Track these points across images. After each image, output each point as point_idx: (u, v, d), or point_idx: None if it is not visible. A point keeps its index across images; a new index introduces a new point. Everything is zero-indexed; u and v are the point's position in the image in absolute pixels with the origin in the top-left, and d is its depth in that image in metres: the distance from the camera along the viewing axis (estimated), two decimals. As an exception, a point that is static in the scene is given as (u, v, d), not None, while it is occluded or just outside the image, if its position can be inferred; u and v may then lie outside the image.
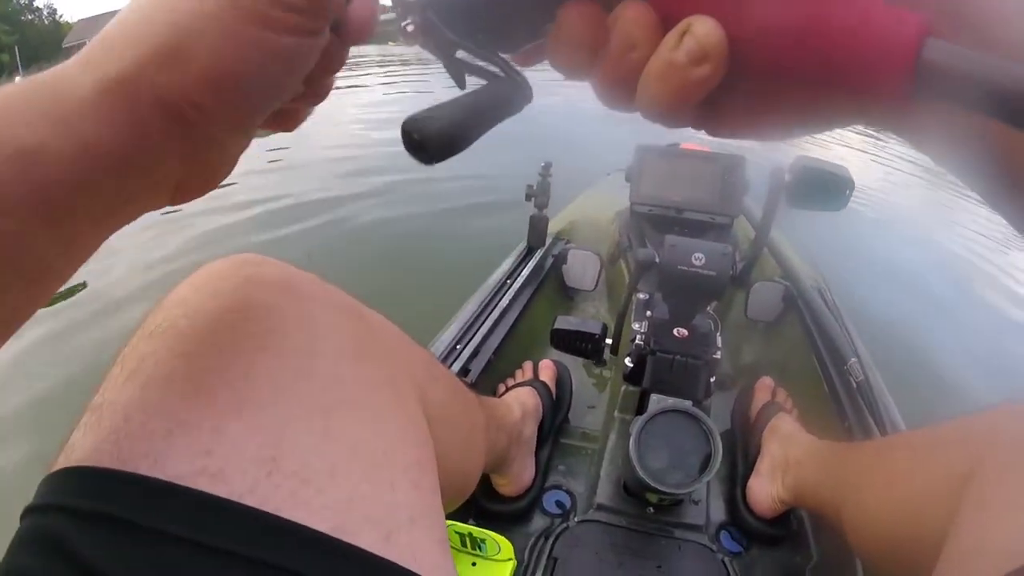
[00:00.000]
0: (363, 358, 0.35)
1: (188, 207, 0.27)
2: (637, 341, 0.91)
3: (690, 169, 1.36)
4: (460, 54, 0.25)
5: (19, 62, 25.85)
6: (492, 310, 1.22)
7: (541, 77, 0.28)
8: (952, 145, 0.20)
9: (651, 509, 0.88)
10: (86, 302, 2.39)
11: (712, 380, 0.89)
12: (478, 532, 0.78)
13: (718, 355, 0.89)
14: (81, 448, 0.28)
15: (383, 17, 0.26)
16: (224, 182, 0.27)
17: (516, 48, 0.25)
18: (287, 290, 0.35)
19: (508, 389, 1.06)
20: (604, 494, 0.92)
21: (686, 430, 0.79)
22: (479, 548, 0.79)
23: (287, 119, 0.29)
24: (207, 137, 0.23)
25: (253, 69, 0.22)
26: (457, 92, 0.24)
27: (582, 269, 1.44)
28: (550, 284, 1.48)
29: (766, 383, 1.12)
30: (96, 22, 30.58)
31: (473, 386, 1.03)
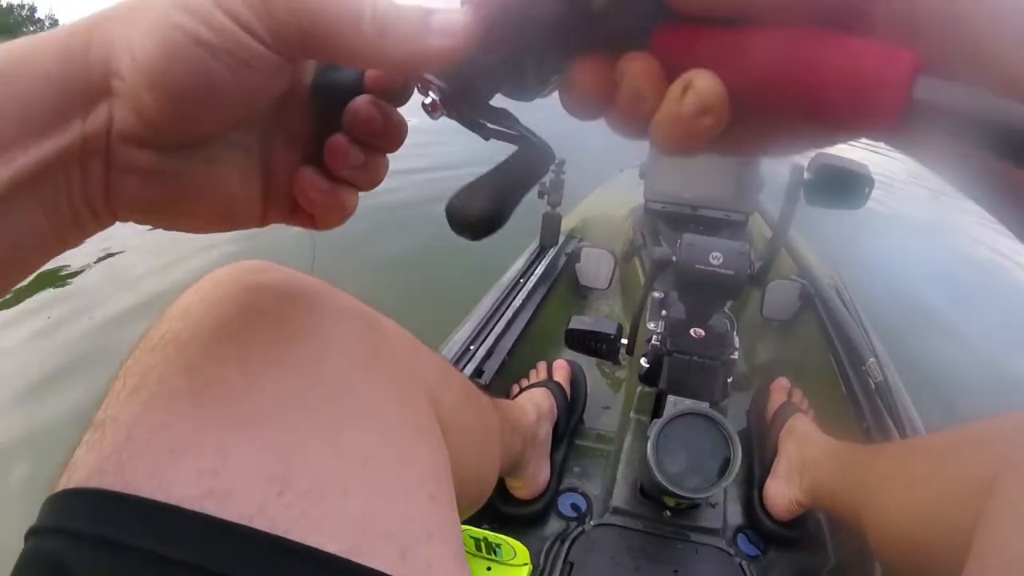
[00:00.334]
0: (374, 366, 0.34)
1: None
2: (653, 341, 0.90)
3: (704, 166, 1.35)
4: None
5: None
6: (505, 310, 1.21)
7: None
8: (950, 158, 0.20)
9: (668, 512, 0.87)
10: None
11: (729, 381, 0.88)
12: (493, 537, 0.78)
13: (735, 355, 0.88)
14: (84, 467, 0.27)
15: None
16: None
17: (527, 99, 0.26)
18: (293, 297, 0.34)
19: (522, 390, 1.05)
20: (620, 497, 0.91)
21: (704, 433, 0.78)
22: (494, 553, 0.78)
23: (323, 212, 0.29)
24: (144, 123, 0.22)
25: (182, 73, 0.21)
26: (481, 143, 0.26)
27: (596, 267, 1.42)
28: (563, 283, 1.46)
29: (782, 383, 1.10)
30: None
31: (487, 387, 1.02)
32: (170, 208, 0.25)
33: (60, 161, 0.21)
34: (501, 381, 1.08)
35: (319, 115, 0.28)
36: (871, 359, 1.06)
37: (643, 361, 0.91)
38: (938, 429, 0.86)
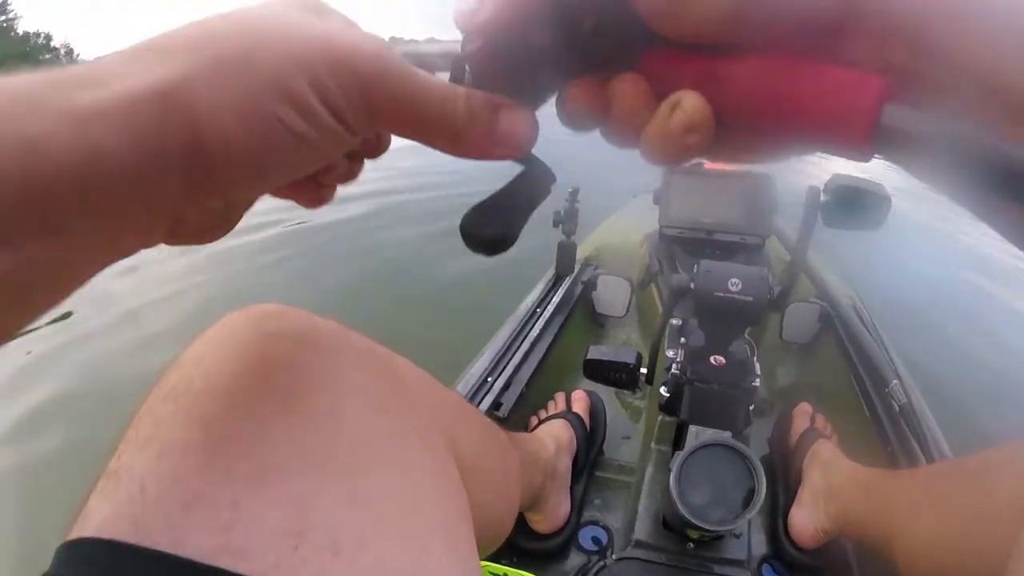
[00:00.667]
0: (390, 411, 0.34)
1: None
2: (673, 370, 0.89)
3: (718, 190, 1.35)
4: None
5: None
6: (522, 340, 1.21)
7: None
8: (928, 169, 0.21)
9: (691, 545, 0.85)
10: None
11: (751, 408, 0.86)
12: (513, 573, 0.76)
13: (756, 382, 0.86)
14: (97, 516, 0.26)
15: None
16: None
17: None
18: (309, 344, 0.33)
19: (540, 422, 1.03)
20: (642, 530, 0.89)
21: (727, 463, 0.76)
22: (515, 590, 0.77)
23: (308, 195, 0.29)
24: (214, 179, 0.21)
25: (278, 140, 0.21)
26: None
27: (612, 295, 1.42)
28: (580, 311, 1.46)
29: (804, 409, 1.08)
30: None
31: (505, 420, 1.01)
32: (216, 233, 0.25)
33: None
34: (519, 413, 1.07)
35: None
36: (894, 381, 1.04)
37: (663, 390, 0.89)
38: (965, 452, 0.84)
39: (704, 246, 1.29)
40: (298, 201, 0.28)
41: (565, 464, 0.94)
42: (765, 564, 0.90)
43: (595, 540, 0.94)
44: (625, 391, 1.20)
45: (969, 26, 0.18)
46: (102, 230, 0.20)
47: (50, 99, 0.18)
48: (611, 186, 2.38)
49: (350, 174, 0.29)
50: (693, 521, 0.73)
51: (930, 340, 2.14)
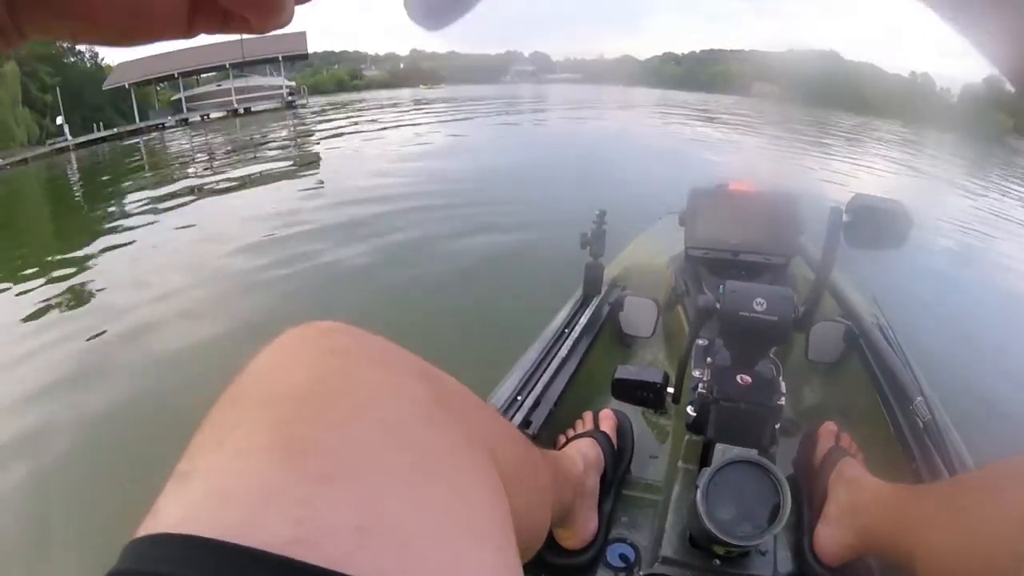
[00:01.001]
0: (441, 422, 0.36)
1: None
2: (700, 389, 0.90)
3: (743, 211, 1.36)
4: None
5: (60, 102, 26.39)
6: (551, 360, 1.23)
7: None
8: None
9: (718, 561, 0.86)
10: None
11: (777, 427, 0.87)
12: (543, 587, 0.78)
13: (782, 401, 0.87)
14: (169, 515, 0.28)
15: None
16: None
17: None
18: (368, 359, 0.36)
19: (568, 440, 1.05)
20: (669, 546, 0.90)
21: (754, 480, 0.77)
22: (544, 603, 0.78)
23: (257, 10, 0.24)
24: None
25: None
26: None
27: (639, 316, 1.43)
28: (607, 332, 1.47)
29: (830, 428, 1.08)
30: (135, 65, 31.11)
31: (535, 438, 1.03)
32: (73, 11, 0.22)
33: None
34: (548, 431, 1.09)
35: None
36: (918, 398, 1.04)
37: (689, 410, 0.91)
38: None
39: (729, 267, 1.30)
40: (253, 18, 0.24)
41: (593, 481, 0.95)
42: None
43: (623, 557, 0.95)
44: (652, 410, 1.21)
45: None
46: None
47: None
48: (637, 208, 2.41)
49: None
50: (720, 536, 0.74)
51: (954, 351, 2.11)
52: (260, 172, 10.17)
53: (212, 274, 4.24)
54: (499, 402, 1.06)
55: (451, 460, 0.35)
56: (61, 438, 2.31)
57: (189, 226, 6.46)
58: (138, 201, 8.52)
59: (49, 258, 5.66)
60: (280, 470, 0.29)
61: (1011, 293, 3.24)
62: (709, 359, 0.92)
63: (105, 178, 12.52)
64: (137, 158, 16.19)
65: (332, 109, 27.83)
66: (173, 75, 31.80)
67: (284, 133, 18.73)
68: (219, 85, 33.57)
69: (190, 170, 12.33)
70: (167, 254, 5.36)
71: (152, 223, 6.89)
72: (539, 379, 1.16)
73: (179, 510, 0.28)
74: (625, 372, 1.01)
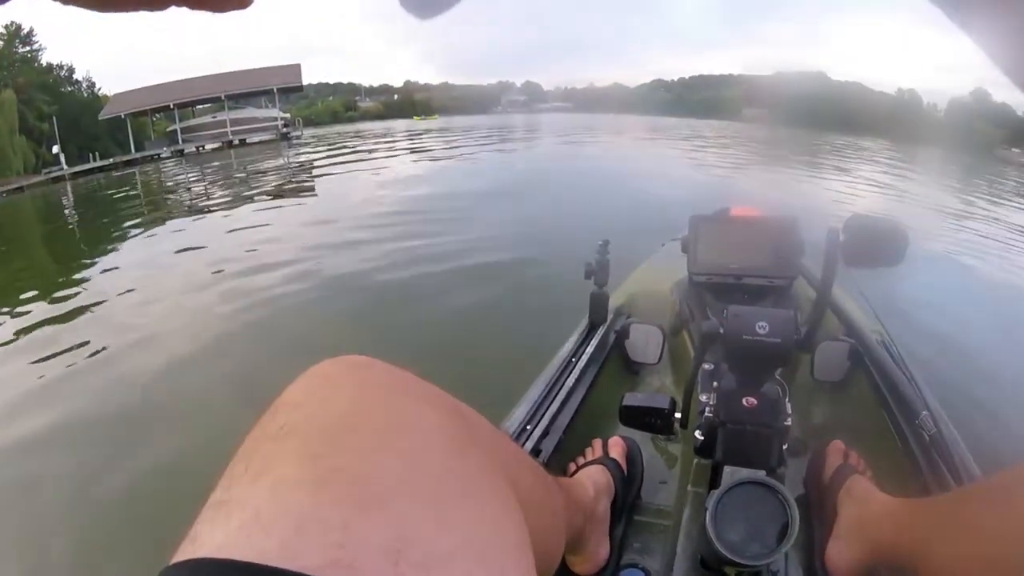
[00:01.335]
0: (466, 451, 0.38)
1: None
2: (706, 413, 0.91)
3: (744, 235, 1.38)
4: None
5: (57, 131, 26.44)
6: (559, 389, 1.24)
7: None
8: None
9: None
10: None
11: (784, 447, 0.88)
12: (558, 614, 0.78)
13: (789, 421, 0.88)
14: (208, 542, 0.29)
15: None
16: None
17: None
18: (396, 392, 0.38)
19: (579, 468, 1.06)
20: (681, 570, 0.90)
21: (762, 500, 0.78)
22: (559, 630, 0.78)
23: None
24: None
25: None
26: None
27: (645, 343, 1.45)
28: (614, 360, 1.49)
29: (838, 446, 1.09)
30: (131, 95, 31.29)
31: (545, 466, 1.04)
32: None
33: None
34: (558, 459, 1.10)
35: None
36: (924, 412, 1.05)
37: (697, 434, 0.92)
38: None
39: (733, 291, 1.32)
40: None
41: (604, 507, 0.96)
42: None
43: None
44: (661, 436, 1.22)
45: None
46: None
47: None
48: (639, 233, 2.43)
49: None
50: (730, 557, 0.75)
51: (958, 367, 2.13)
52: (253, 198, 10.45)
53: (202, 308, 4.29)
54: (509, 432, 1.07)
55: (477, 486, 0.36)
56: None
57: (187, 249, 6.61)
58: (133, 227, 8.77)
59: (45, 282, 5.84)
60: (317, 498, 0.30)
61: (1010, 300, 3.26)
62: (715, 383, 0.93)
63: (101, 208, 12.86)
64: (133, 191, 16.24)
65: (321, 142, 27.97)
66: (169, 106, 31.88)
67: (280, 161, 19.02)
68: (214, 116, 33.74)
69: (184, 198, 12.57)
70: (156, 280, 5.48)
71: (146, 248, 7.15)
72: (548, 408, 1.17)
73: (219, 536, 0.29)
74: (632, 399, 1.02)
